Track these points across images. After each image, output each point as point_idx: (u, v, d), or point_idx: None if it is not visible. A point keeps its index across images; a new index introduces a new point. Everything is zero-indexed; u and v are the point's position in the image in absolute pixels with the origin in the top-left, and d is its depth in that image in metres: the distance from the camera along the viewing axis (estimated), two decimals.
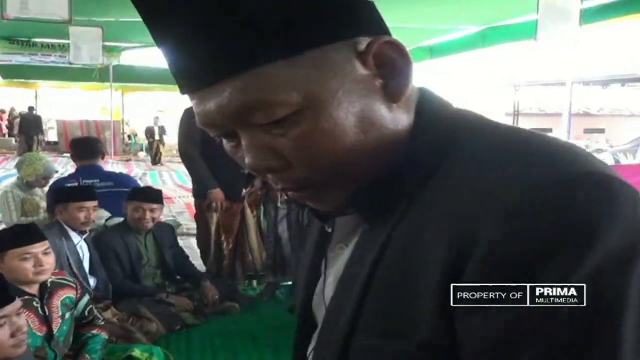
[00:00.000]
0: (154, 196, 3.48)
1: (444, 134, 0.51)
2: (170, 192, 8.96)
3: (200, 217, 3.93)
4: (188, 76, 0.49)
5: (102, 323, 2.65)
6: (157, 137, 17.94)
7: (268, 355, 2.94)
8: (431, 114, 0.53)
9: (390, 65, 0.49)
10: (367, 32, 0.49)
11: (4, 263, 2.23)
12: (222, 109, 0.47)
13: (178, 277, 3.63)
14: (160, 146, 16.00)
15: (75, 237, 3.06)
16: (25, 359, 2.00)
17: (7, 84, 16.02)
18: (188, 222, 6.01)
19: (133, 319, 3.05)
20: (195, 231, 4.26)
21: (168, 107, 19.67)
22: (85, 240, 3.13)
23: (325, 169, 0.50)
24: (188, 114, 3.53)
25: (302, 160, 0.50)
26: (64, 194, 3.17)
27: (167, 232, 3.68)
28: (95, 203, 3.13)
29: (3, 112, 20.41)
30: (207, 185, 3.60)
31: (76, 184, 3.63)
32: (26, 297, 2.25)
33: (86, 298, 2.56)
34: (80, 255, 3.06)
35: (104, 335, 2.59)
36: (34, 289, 2.31)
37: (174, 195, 8.90)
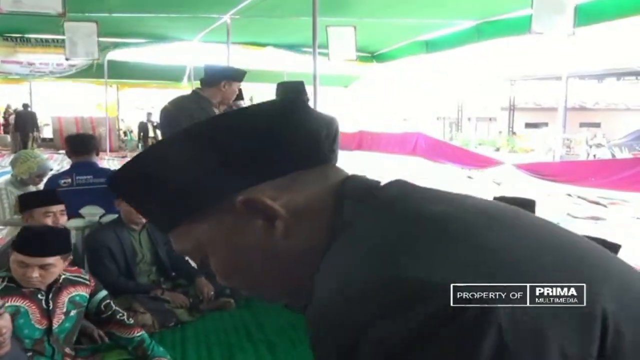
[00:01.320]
0: None
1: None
2: None
3: None
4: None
5: (132, 322, 2.65)
6: (151, 133, 17.88)
7: (264, 351, 2.93)
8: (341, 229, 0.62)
9: (261, 207, 0.61)
10: (247, 186, 0.61)
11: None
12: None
13: (173, 273, 3.62)
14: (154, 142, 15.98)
15: None
16: (16, 356, 1.98)
17: (2, 81, 15.97)
18: None
19: (129, 314, 3.03)
20: None
21: (161, 104, 19.61)
22: None
23: (248, 288, 0.69)
24: (167, 114, 3.47)
25: (229, 282, 0.68)
26: (27, 201, 3.04)
27: None
28: (62, 207, 3.00)
29: None
30: None
31: (70, 180, 3.61)
32: (31, 289, 2.27)
33: (102, 293, 2.56)
34: None
35: (137, 334, 2.61)
36: (43, 285, 2.30)
37: None
